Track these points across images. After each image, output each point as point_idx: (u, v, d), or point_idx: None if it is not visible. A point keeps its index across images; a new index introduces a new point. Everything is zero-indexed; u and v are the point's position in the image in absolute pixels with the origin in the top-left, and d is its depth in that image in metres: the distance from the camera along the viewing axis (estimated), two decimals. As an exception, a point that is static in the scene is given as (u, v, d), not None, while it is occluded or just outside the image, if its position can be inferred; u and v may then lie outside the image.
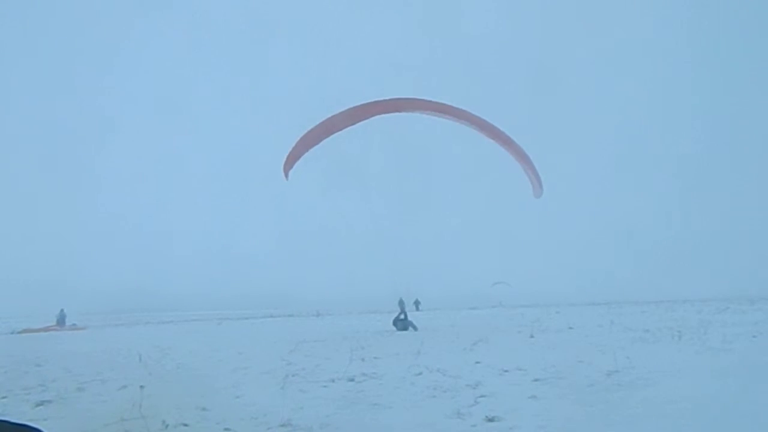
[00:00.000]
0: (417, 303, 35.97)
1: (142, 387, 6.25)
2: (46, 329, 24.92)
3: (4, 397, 6.72)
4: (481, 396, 5.69)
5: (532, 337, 12.24)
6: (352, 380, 7.01)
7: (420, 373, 7.31)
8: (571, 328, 14.73)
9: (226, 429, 4.75)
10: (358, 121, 4.93)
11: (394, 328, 17.08)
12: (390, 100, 5.16)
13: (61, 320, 27.76)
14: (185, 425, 4.87)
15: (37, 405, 6.10)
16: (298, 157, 5.07)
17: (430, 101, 5.08)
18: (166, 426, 4.82)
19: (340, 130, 4.92)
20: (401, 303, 37.64)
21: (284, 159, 5.11)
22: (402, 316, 17.68)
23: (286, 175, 5.19)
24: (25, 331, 24.36)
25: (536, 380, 6.51)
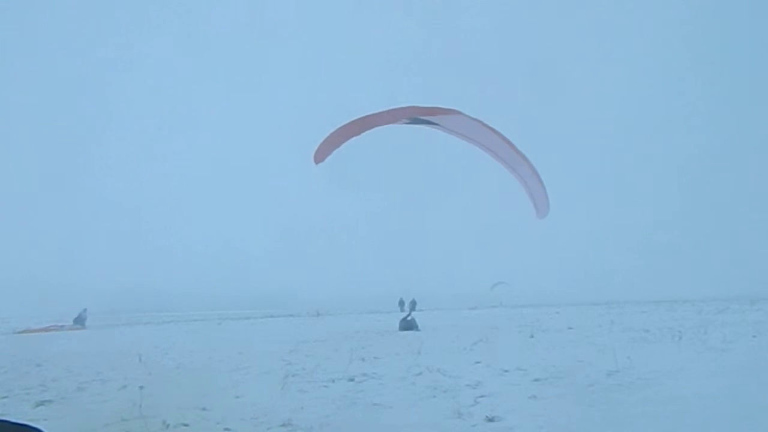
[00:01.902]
0: (413, 303, 35.93)
1: (141, 387, 6.26)
2: (46, 329, 24.90)
3: (4, 397, 6.72)
4: (481, 396, 5.70)
5: (532, 337, 12.23)
6: (352, 380, 7.01)
7: (420, 373, 7.31)
8: (571, 328, 14.72)
9: (226, 429, 4.76)
10: (393, 122, 4.91)
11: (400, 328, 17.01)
12: (429, 108, 5.13)
13: (81, 320, 27.63)
14: (185, 425, 4.87)
15: (37, 405, 6.10)
16: (335, 146, 5.02)
17: (467, 116, 5.04)
18: (166, 426, 4.82)
19: (379, 125, 4.89)
20: (401, 303, 37.61)
21: (317, 146, 5.08)
22: (409, 317, 17.63)
23: (317, 162, 5.15)
24: (25, 331, 24.37)
25: (536, 380, 6.51)
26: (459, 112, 4.87)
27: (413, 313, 20.45)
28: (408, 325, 16.95)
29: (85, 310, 28.10)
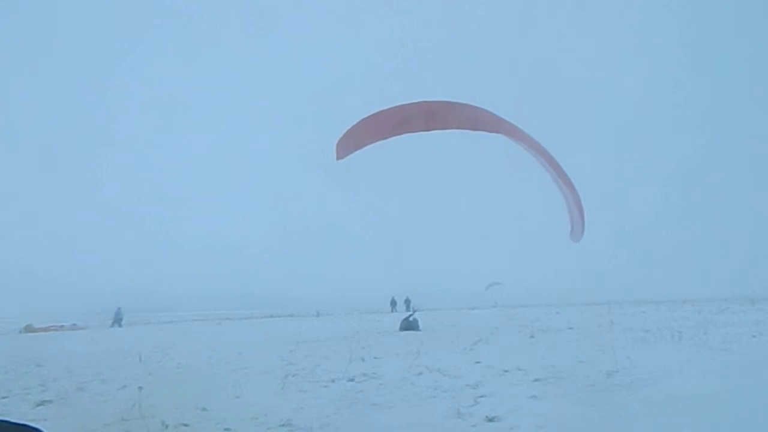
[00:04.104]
0: (408, 302, 35.82)
1: (140, 388, 6.26)
2: (46, 329, 24.94)
3: (4, 397, 6.72)
4: (481, 396, 5.69)
5: (532, 337, 12.24)
6: (352, 380, 7.01)
7: (420, 373, 7.30)
8: (571, 328, 14.73)
9: (226, 429, 4.75)
10: (432, 129, 4.51)
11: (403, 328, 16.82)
12: (469, 110, 4.76)
13: (118, 319, 27.50)
14: (185, 425, 4.87)
15: (38, 405, 6.10)
16: (360, 146, 4.63)
17: (516, 126, 4.77)
18: (166, 426, 4.82)
19: (414, 131, 4.50)
20: (393, 302, 37.45)
21: (339, 138, 4.67)
22: (411, 318, 17.50)
23: (338, 157, 4.74)
24: (28, 326, 24.62)
25: (536, 380, 6.51)
26: (515, 128, 4.63)
27: (406, 313, 20.31)
28: (409, 325, 16.85)
29: (119, 309, 28.03)
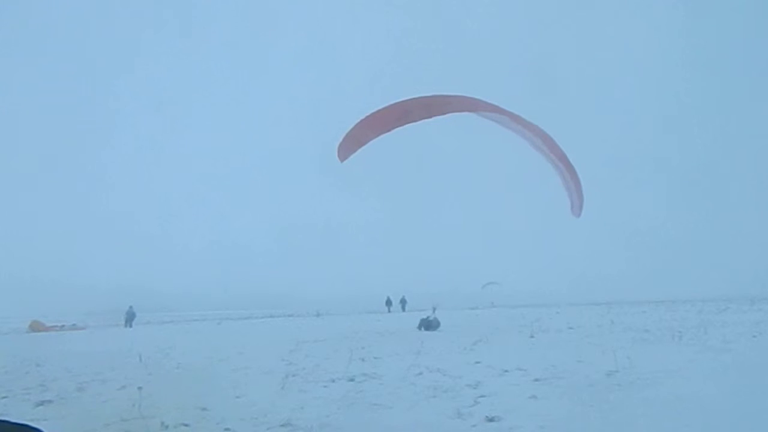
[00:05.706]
0: (403, 302, 35.67)
1: (140, 388, 6.26)
2: (47, 329, 24.98)
3: (4, 397, 6.72)
4: (481, 396, 5.69)
5: (532, 337, 12.24)
6: (352, 380, 7.01)
7: (420, 373, 7.31)
8: (571, 328, 14.73)
9: (226, 429, 4.75)
10: (433, 115, 4.58)
11: (421, 328, 16.61)
12: (466, 98, 4.85)
13: (130, 318, 27.59)
14: (185, 425, 4.87)
15: (38, 405, 6.10)
16: (363, 143, 4.69)
17: (505, 110, 4.81)
18: (166, 426, 4.82)
19: (415, 121, 4.57)
20: (389, 302, 37.26)
21: (340, 140, 4.73)
22: (431, 317, 17.34)
23: (341, 159, 4.80)
24: (33, 323, 24.80)
25: (536, 380, 6.51)
26: (502, 111, 4.67)
27: (401, 314, 20.19)
28: (429, 324, 16.75)
29: (131, 307, 28.07)
